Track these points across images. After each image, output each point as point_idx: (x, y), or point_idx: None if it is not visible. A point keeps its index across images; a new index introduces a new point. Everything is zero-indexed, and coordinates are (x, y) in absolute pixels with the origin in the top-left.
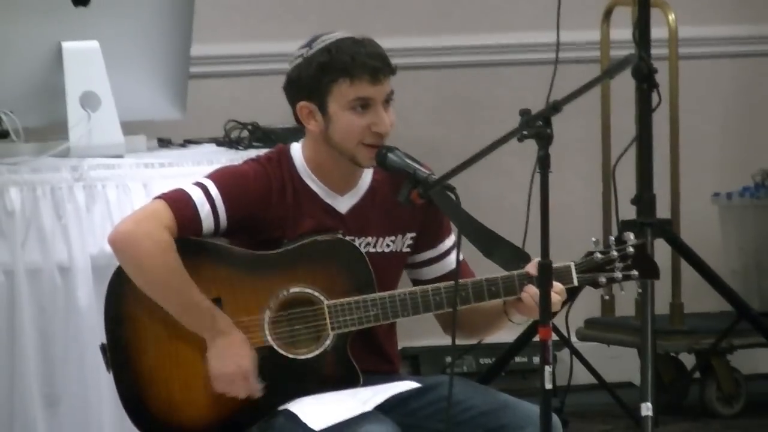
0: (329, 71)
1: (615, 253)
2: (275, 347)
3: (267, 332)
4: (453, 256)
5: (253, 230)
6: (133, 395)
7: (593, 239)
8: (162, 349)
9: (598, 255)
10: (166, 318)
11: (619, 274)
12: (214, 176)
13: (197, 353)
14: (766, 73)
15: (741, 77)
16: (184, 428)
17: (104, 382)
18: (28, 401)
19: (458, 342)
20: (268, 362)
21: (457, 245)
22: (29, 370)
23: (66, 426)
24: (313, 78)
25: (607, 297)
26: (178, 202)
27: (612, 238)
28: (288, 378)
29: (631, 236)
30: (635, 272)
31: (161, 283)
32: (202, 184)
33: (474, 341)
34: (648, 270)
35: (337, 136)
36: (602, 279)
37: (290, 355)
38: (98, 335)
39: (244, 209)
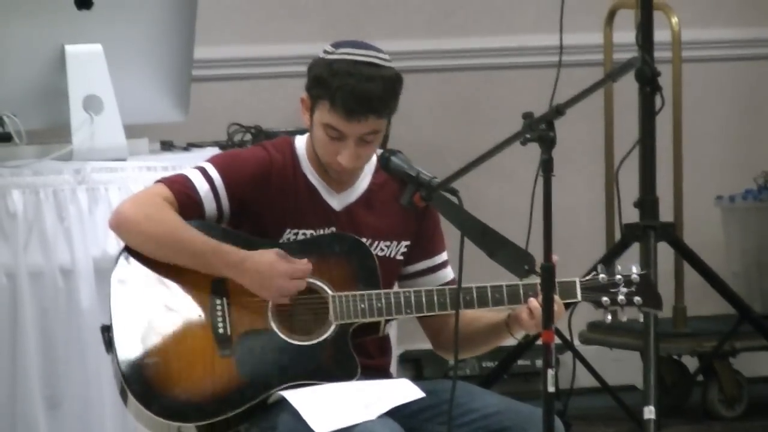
0: (319, 87)
1: (619, 277)
2: (277, 332)
3: (270, 316)
4: (449, 269)
5: (255, 216)
6: (131, 364)
7: (598, 266)
8: (163, 322)
9: (603, 276)
10: (168, 293)
11: (622, 298)
12: (213, 159)
13: (197, 328)
14: None
15: (744, 80)
16: (180, 401)
17: (106, 384)
18: (30, 403)
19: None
20: (269, 345)
21: (460, 249)
22: (31, 372)
23: (68, 428)
24: (313, 83)
25: (608, 321)
26: (176, 183)
27: (618, 266)
28: (287, 362)
29: (634, 268)
30: (638, 298)
31: (166, 239)
32: (200, 167)
33: (468, 357)
34: (651, 300)
35: (314, 142)
36: (605, 299)
37: (291, 340)
38: (100, 337)
39: (243, 190)
